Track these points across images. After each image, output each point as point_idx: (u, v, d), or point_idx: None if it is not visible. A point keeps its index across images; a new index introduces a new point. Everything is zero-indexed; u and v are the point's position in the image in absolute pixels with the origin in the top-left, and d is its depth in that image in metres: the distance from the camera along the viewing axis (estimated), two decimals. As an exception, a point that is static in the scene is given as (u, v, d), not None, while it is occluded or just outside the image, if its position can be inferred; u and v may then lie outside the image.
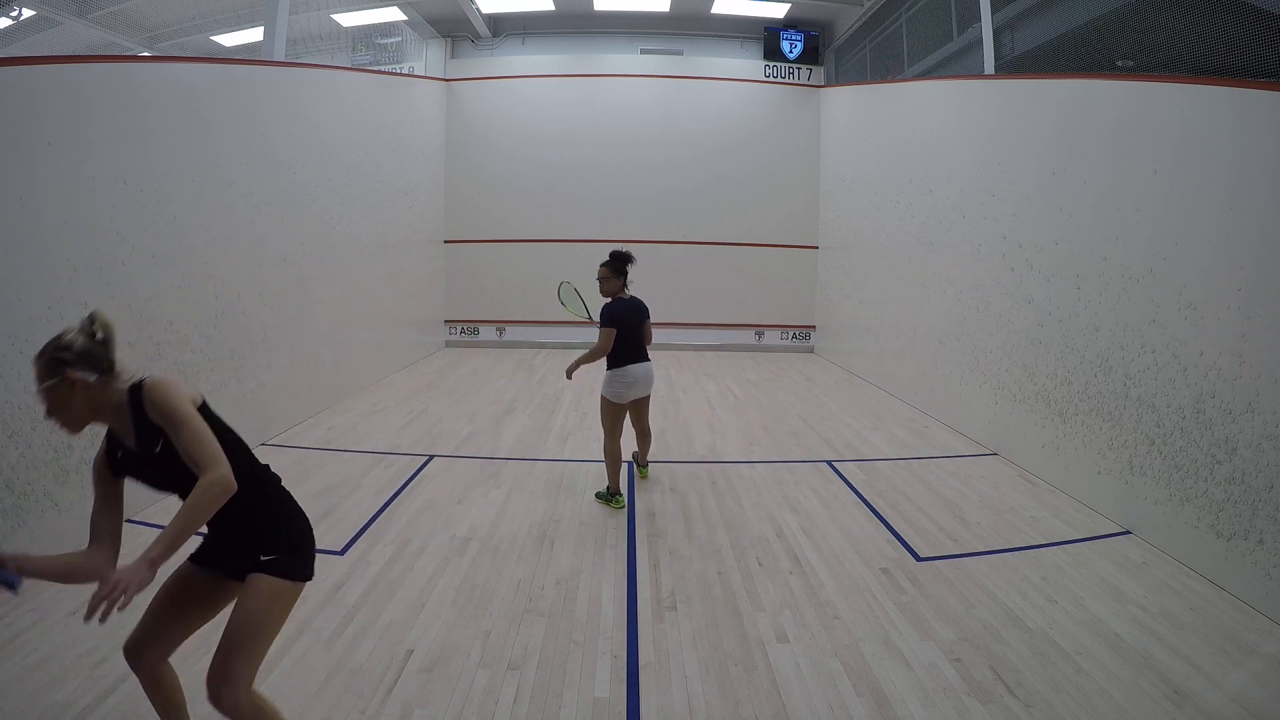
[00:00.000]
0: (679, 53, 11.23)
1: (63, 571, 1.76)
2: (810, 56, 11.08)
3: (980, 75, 6.73)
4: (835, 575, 3.59)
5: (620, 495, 4.54)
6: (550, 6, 10.63)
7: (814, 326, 11.30)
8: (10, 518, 3.34)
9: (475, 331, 11.38)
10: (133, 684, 2.56)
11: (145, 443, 1.81)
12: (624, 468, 4.70)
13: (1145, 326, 4.11)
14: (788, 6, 10.56)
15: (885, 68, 9.53)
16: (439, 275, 11.00)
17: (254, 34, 9.24)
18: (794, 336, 11.39)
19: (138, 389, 1.79)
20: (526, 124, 11.15)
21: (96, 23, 8.57)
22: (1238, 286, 3.46)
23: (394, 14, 10.04)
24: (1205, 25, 4.36)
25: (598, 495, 4.66)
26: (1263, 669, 2.78)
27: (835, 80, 11.07)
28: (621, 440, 4.54)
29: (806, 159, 11.15)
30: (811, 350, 11.29)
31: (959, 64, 7.64)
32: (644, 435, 4.89)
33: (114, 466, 1.89)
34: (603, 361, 4.48)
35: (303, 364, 6.50)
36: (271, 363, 5.90)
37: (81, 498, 3.78)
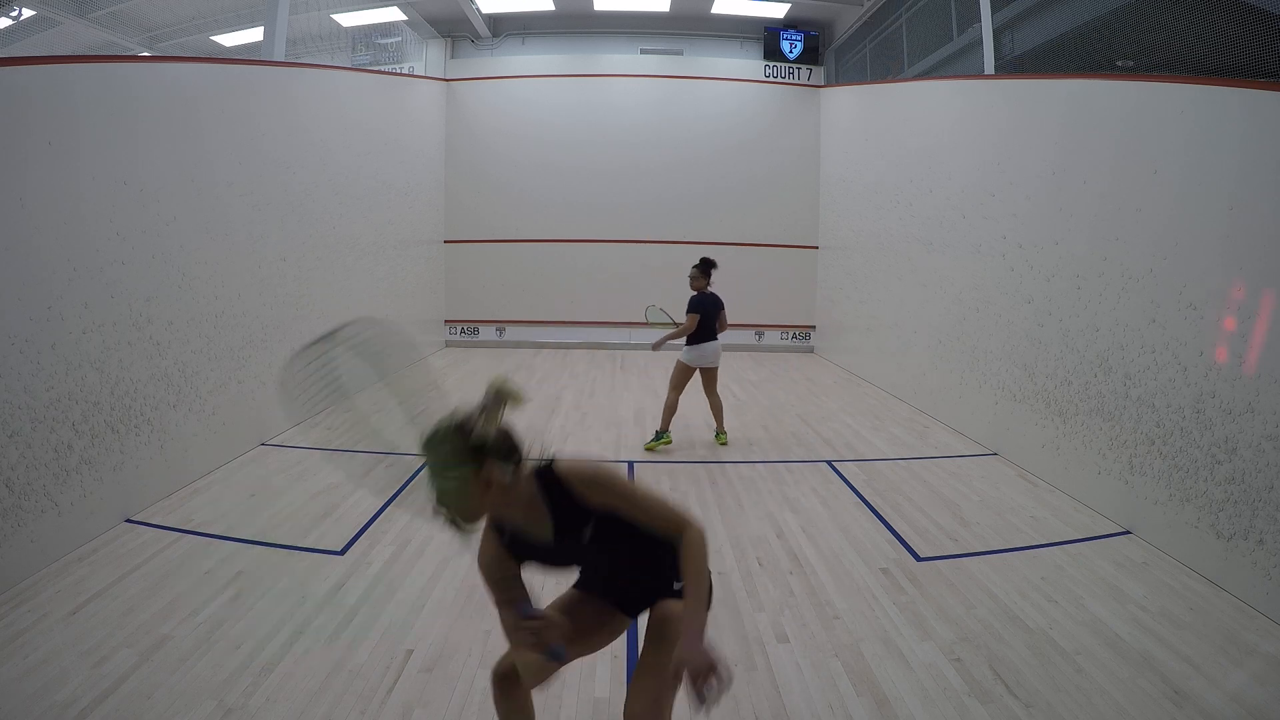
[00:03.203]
0: (679, 53, 11.23)
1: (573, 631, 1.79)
2: (810, 56, 11.07)
3: (980, 75, 6.73)
4: (835, 575, 3.59)
5: (668, 434, 5.85)
6: (550, 6, 10.62)
7: (814, 327, 11.29)
8: (10, 518, 3.34)
9: (475, 331, 11.38)
10: (133, 684, 2.57)
11: (569, 529, 1.68)
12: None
13: (1145, 326, 4.11)
14: (788, 6, 10.56)
15: (885, 68, 9.53)
16: (439, 275, 10.99)
17: (254, 34, 9.23)
18: (794, 336, 11.39)
19: (550, 476, 1.64)
20: (527, 124, 11.14)
21: (96, 23, 8.56)
22: (1238, 286, 3.46)
23: (394, 14, 10.04)
24: (1205, 25, 4.36)
25: (647, 445, 5.84)
26: (1263, 669, 2.77)
27: (835, 80, 11.06)
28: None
29: (806, 159, 11.14)
30: (811, 350, 11.29)
31: (959, 64, 7.64)
32: (716, 407, 6.10)
33: (514, 554, 1.75)
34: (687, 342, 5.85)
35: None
36: (271, 362, 5.89)
37: (81, 497, 3.78)
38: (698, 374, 5.98)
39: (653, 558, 1.77)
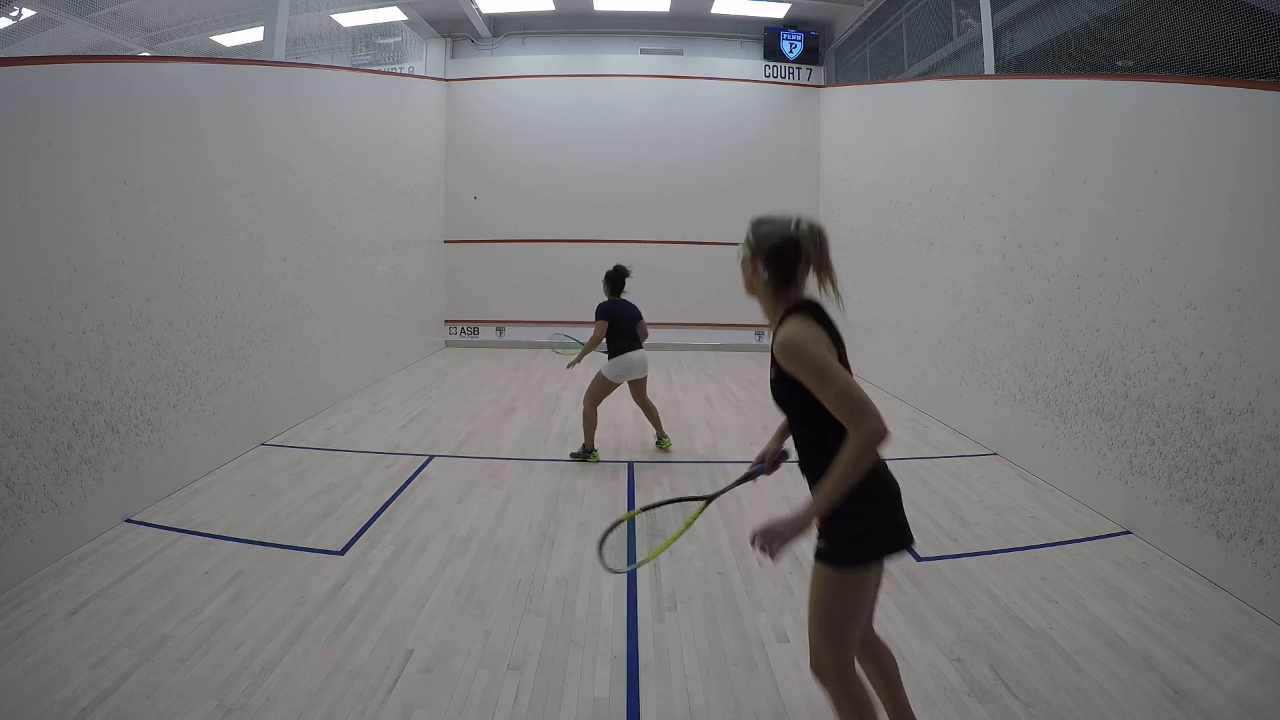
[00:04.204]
0: (679, 53, 11.23)
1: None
2: (810, 56, 11.08)
3: (980, 75, 6.73)
4: (835, 575, 3.58)
5: (595, 451, 5.46)
6: (550, 6, 10.63)
7: (814, 326, 11.28)
8: (10, 518, 3.34)
9: (475, 331, 11.38)
10: (133, 684, 2.57)
11: (773, 362, 1.86)
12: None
13: (1145, 326, 4.11)
14: (788, 6, 10.56)
15: (885, 68, 9.54)
16: (439, 275, 11.00)
17: (254, 34, 9.25)
18: (794, 336, 11.38)
19: (785, 318, 1.85)
20: (526, 124, 11.15)
21: (96, 23, 8.57)
22: (1238, 286, 3.46)
23: (394, 14, 10.04)
24: (1205, 25, 4.36)
25: (573, 455, 5.47)
26: (1263, 669, 2.78)
27: (835, 80, 11.07)
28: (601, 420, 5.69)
29: (806, 159, 11.14)
30: (811, 350, 11.28)
31: (959, 64, 7.64)
32: (650, 410, 5.76)
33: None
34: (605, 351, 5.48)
35: (303, 364, 6.50)
36: (271, 362, 5.90)
37: (81, 497, 3.78)
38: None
39: (819, 436, 1.83)
